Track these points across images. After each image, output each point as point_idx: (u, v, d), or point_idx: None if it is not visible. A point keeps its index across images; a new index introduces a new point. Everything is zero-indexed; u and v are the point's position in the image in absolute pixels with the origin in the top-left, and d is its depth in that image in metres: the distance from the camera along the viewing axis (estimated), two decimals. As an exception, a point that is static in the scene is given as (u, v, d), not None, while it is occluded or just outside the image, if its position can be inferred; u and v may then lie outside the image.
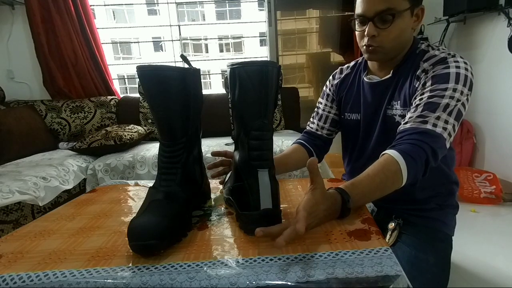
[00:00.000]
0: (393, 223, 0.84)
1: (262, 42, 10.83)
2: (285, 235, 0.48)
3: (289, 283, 0.43)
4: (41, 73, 2.38)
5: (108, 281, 0.45)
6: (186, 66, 0.63)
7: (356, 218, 0.61)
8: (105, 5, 3.48)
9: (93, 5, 2.71)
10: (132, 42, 14.41)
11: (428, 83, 0.73)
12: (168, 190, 0.58)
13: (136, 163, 1.77)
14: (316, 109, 1.04)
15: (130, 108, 2.41)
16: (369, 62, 0.91)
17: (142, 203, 0.58)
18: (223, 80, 2.85)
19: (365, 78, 0.90)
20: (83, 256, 0.51)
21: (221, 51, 15.66)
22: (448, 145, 0.70)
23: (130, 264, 0.49)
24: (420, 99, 0.72)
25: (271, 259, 0.48)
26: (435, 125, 0.68)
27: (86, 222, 0.66)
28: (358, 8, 0.78)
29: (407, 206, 0.86)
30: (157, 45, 15.03)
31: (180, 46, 2.96)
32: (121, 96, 2.56)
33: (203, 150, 0.72)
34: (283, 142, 1.84)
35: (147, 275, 0.46)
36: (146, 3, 14.24)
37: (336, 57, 3.04)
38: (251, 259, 0.49)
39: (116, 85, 2.66)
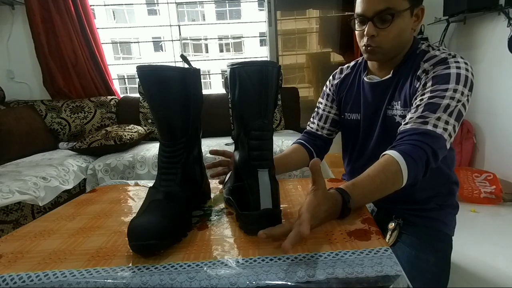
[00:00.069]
0: (393, 223, 0.84)
1: (262, 42, 10.82)
2: (291, 239, 0.47)
3: (289, 283, 0.43)
4: (41, 73, 2.39)
5: (108, 281, 0.45)
6: (186, 66, 0.63)
7: (356, 218, 0.60)
8: (105, 5, 3.48)
9: (93, 5, 2.71)
10: (132, 42, 14.42)
11: (429, 84, 0.73)
12: (168, 190, 0.58)
13: (136, 163, 1.77)
14: (316, 109, 1.04)
15: (130, 108, 2.41)
16: (369, 62, 0.91)
17: (142, 203, 0.58)
18: (223, 80, 2.85)
19: (365, 78, 0.90)
20: (83, 256, 0.51)
21: (221, 51, 15.66)
22: (448, 146, 0.70)
23: (130, 264, 0.48)
24: (421, 100, 0.72)
25: (271, 259, 0.48)
26: (435, 126, 0.68)
27: (86, 222, 0.65)
28: (358, 8, 0.78)
29: (407, 206, 0.86)
30: (157, 45, 15.03)
31: (180, 46, 2.96)
32: (121, 96, 2.56)
33: (203, 150, 0.72)
34: (283, 142, 1.84)
35: (147, 275, 0.46)
36: (146, 3, 14.24)
37: (336, 57, 3.04)
38: (251, 259, 0.49)
39: (116, 85, 2.66)
